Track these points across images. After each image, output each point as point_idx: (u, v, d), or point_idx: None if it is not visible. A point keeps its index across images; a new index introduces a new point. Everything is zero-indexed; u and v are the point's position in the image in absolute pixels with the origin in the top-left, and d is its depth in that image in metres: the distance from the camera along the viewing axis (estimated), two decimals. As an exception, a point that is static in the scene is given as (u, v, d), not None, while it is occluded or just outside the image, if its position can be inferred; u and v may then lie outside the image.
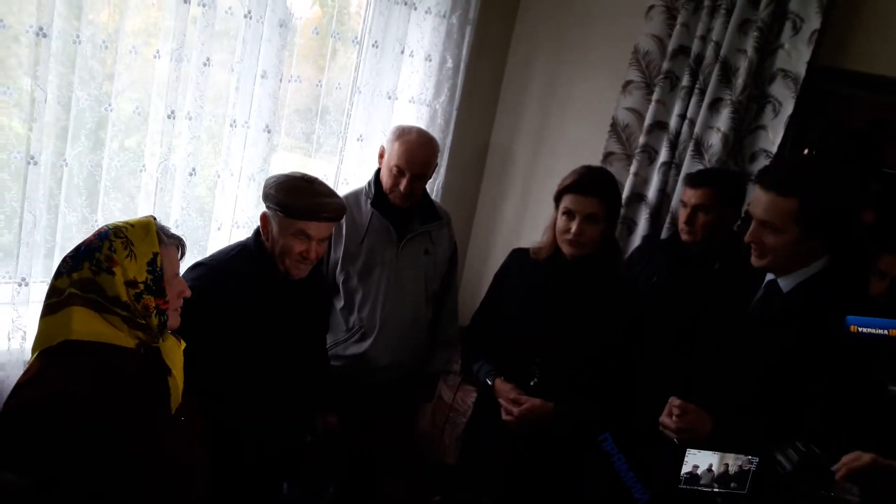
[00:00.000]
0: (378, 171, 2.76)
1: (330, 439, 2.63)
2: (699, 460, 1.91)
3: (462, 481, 2.74)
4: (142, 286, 1.69)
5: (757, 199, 1.99)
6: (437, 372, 3.02)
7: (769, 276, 2.08)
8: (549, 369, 2.41)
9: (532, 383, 2.42)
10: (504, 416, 2.41)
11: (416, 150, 2.66)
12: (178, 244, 1.81)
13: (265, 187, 2.20)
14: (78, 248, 1.71)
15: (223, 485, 2.03)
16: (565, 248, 2.40)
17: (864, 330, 1.68)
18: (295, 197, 2.14)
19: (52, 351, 1.64)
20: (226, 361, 2.08)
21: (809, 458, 1.73)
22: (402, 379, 2.86)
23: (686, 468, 1.90)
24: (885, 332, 1.68)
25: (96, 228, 2.56)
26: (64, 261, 1.71)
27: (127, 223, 1.73)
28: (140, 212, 2.73)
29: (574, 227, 2.34)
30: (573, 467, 2.52)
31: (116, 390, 1.63)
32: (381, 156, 2.75)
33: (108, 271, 1.66)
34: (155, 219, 1.79)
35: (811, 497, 1.71)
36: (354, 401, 2.70)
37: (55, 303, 1.67)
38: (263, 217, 2.21)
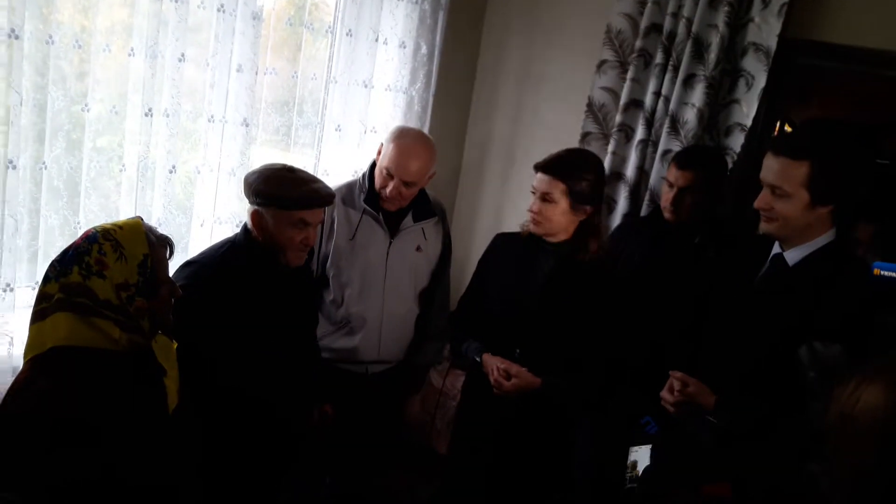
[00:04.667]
0: (373, 166, 2.70)
1: (326, 430, 2.64)
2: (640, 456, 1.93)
3: (455, 471, 2.77)
4: (133, 288, 1.68)
5: (768, 165, 2.01)
6: (425, 364, 3.01)
7: (775, 250, 2.09)
8: (530, 349, 2.46)
9: (516, 353, 2.47)
10: (494, 387, 2.45)
11: (408, 157, 2.57)
12: (167, 244, 1.80)
13: (250, 185, 2.19)
14: (66, 252, 1.69)
15: (221, 480, 2.04)
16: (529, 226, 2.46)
17: (886, 273, 1.72)
18: (287, 189, 2.15)
19: (41, 358, 1.62)
20: (224, 357, 2.09)
21: (726, 431, 1.75)
22: (390, 371, 2.85)
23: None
24: None
25: (78, 230, 2.58)
26: (52, 265, 1.68)
27: (115, 225, 1.72)
28: (121, 212, 2.71)
29: (533, 204, 2.42)
30: (563, 445, 2.58)
31: (107, 395, 1.61)
32: (379, 152, 2.67)
33: (99, 275, 1.64)
34: (142, 219, 1.78)
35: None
36: (345, 391, 2.71)
37: (44, 308, 1.64)
38: (256, 215, 2.19)
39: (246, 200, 2.25)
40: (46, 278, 1.68)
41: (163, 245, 1.78)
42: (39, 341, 1.64)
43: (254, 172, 2.22)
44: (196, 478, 1.88)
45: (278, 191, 2.14)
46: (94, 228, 1.71)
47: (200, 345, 1.91)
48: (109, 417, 1.60)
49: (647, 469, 1.77)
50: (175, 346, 1.87)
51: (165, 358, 1.80)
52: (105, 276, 1.64)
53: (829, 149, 1.95)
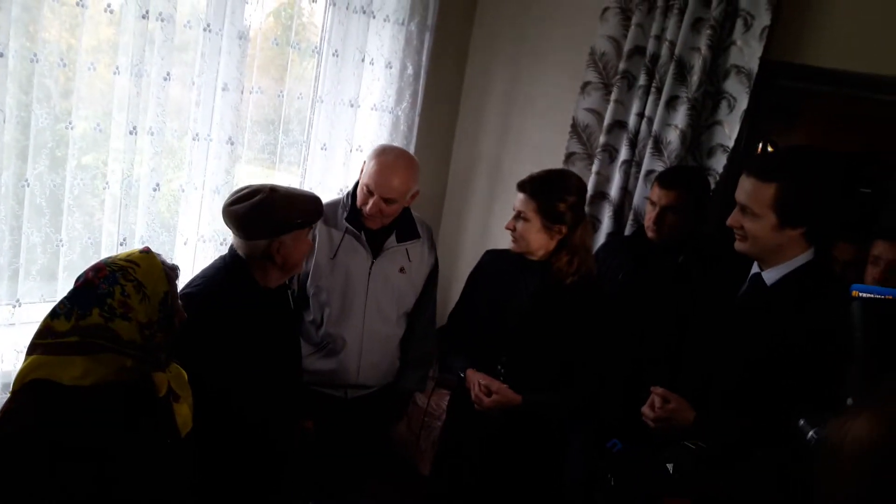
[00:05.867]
0: (357, 184, 2.66)
1: (308, 445, 2.62)
2: None
3: (438, 490, 2.76)
4: (155, 326, 1.68)
5: (741, 185, 2.03)
6: (408, 390, 2.93)
7: (754, 270, 2.10)
8: (513, 366, 2.46)
9: (499, 367, 2.47)
10: (474, 402, 2.45)
11: (388, 173, 2.54)
12: (175, 273, 1.79)
13: (264, 224, 2.13)
14: (79, 290, 1.65)
15: (211, 498, 2.03)
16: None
17: (865, 295, 1.73)
18: (297, 209, 2.17)
19: (42, 387, 1.59)
20: (224, 382, 2.08)
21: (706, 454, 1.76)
22: (371, 395, 2.79)
23: None
24: (882, 297, 1.73)
25: (60, 248, 2.57)
26: (62, 302, 1.65)
27: (129, 261, 1.68)
28: (105, 230, 2.70)
29: (509, 222, 2.46)
30: (547, 462, 2.58)
31: (103, 419, 1.60)
32: (362, 170, 2.64)
33: (124, 317, 1.62)
34: (151, 251, 1.75)
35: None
36: (324, 415, 2.67)
37: (50, 344, 1.61)
38: (278, 245, 2.17)
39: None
40: (55, 314, 1.64)
41: (174, 275, 1.78)
42: (40, 373, 1.60)
43: (251, 210, 2.11)
44: (191, 497, 1.87)
45: (297, 214, 2.16)
46: (108, 266, 1.66)
47: (201, 371, 1.91)
48: (105, 441, 1.58)
49: (610, 485, 1.78)
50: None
51: (178, 385, 1.79)
52: (130, 317, 1.63)
53: (797, 173, 1.96)
